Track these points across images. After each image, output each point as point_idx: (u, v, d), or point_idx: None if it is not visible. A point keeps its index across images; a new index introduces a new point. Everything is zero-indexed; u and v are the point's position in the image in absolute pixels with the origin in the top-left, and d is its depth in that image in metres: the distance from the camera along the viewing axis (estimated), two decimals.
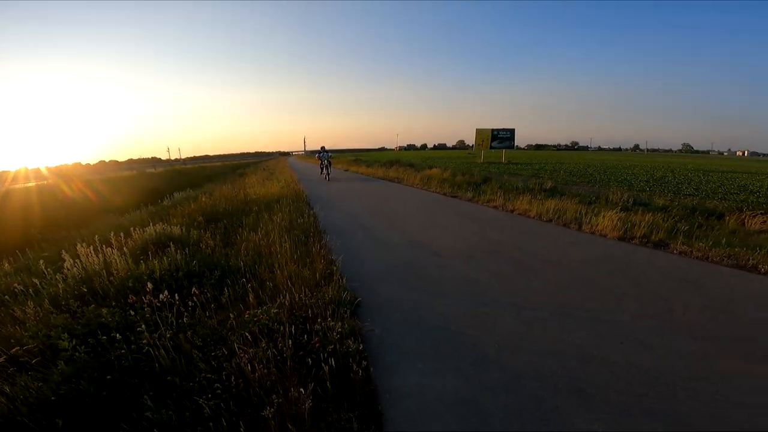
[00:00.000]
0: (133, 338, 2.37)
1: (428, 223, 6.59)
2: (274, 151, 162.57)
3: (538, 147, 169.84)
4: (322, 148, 18.98)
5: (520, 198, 8.39)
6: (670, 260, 4.40)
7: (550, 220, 6.62)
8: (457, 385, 2.15)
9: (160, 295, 2.63)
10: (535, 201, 7.98)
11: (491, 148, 31.95)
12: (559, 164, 27.79)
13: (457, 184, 11.97)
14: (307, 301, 2.91)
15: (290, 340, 2.30)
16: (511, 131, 32.06)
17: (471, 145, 34.20)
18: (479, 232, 5.80)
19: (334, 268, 3.75)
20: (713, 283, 3.63)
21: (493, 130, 31.87)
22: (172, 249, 3.98)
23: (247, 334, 2.38)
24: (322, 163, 18.23)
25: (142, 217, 7.25)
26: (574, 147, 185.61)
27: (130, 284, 3.30)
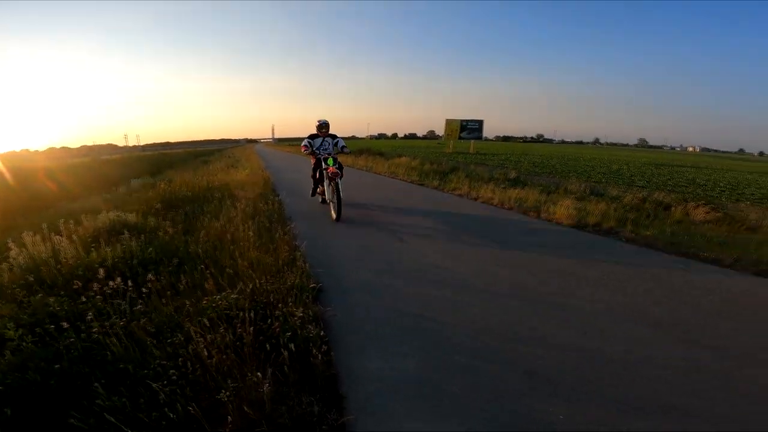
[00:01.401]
0: (83, 327, 2.31)
1: (393, 209, 6.68)
2: (241, 138, 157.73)
3: (506, 138, 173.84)
4: (322, 126, 6.73)
5: (485, 187, 8.63)
6: (616, 246, 4.69)
7: (512, 208, 6.86)
8: (417, 366, 2.22)
9: (111, 282, 2.54)
10: (499, 190, 8.24)
11: (460, 138, 32.44)
12: (524, 155, 28.67)
13: (425, 172, 12.12)
14: (269, 287, 2.90)
15: (251, 327, 2.29)
16: (480, 122, 32.65)
17: (441, 135, 34.55)
18: (443, 219, 5.94)
19: (298, 254, 3.74)
20: (653, 269, 3.91)
21: (462, 120, 32.34)
22: (127, 236, 3.83)
23: (205, 320, 2.36)
24: (319, 166, 6.51)
25: (96, 204, 6.91)
26: (539, 139, 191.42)
27: (81, 272, 3.16)
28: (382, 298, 3.08)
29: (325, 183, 6.31)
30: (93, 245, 3.76)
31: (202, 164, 19.96)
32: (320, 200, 7.03)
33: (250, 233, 4.10)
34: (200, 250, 3.69)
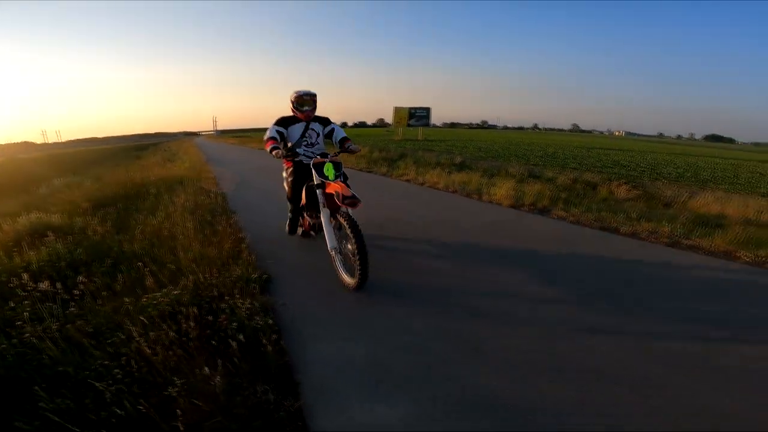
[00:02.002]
0: (14, 333, 2.21)
1: None
2: (178, 131, 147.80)
3: (453, 125, 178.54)
4: (304, 101, 3.64)
5: (431, 172, 8.90)
6: (548, 223, 5.10)
7: (455, 192, 7.15)
8: (370, 350, 2.29)
9: (41, 285, 2.38)
10: (444, 174, 8.54)
11: (408, 125, 32.81)
12: (470, 141, 29.73)
13: (373, 159, 12.22)
14: (214, 281, 2.85)
15: (193, 322, 2.26)
16: (428, 110, 33.19)
17: (390, 123, 34.70)
18: (389, 204, 6.08)
19: (243, 246, 3.69)
20: (578, 239, 4.31)
21: (410, 108, 32.67)
22: (52, 238, 3.55)
23: (144, 319, 2.29)
24: (305, 179, 3.57)
25: (14, 208, 6.27)
26: (484, 126, 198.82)
27: (4, 278, 2.92)
28: (338, 289, 3.14)
29: (322, 215, 3.27)
30: (14, 250, 3.45)
31: (135, 159, 18.58)
32: (300, 232, 4.14)
33: (190, 227, 3.96)
34: (136, 248, 3.52)
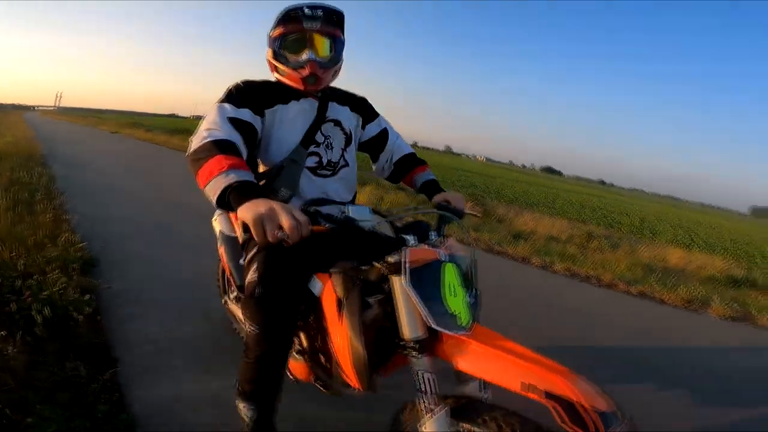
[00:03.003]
0: None
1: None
2: (8, 103, 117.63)
3: None
4: (304, 31, 1.18)
5: None
6: None
7: None
8: (188, 330, 2.30)
9: None
10: None
11: None
12: None
13: None
14: (24, 261, 2.55)
15: None
16: None
17: None
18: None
19: (65, 228, 3.32)
20: None
21: None
22: None
23: None
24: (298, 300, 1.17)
25: None
26: None
27: None
28: (165, 272, 3.06)
29: (424, 410, 0.94)
30: None
31: None
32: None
33: None
34: None
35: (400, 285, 0.92)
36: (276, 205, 0.84)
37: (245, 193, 0.90)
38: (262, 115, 1.23)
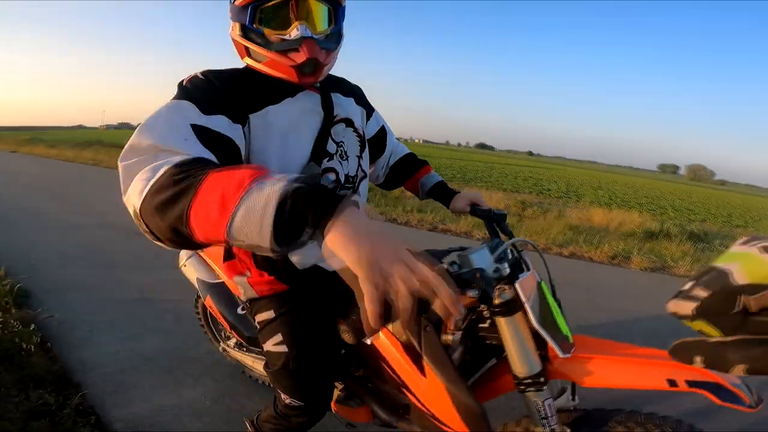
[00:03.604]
0: None
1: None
2: None
3: None
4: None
5: None
6: None
7: None
8: (152, 345, 2.27)
9: None
10: None
11: None
12: None
13: None
14: None
15: None
16: None
17: None
18: None
19: None
20: None
21: None
22: None
23: None
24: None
25: None
26: None
27: None
28: (109, 296, 2.92)
29: None
30: None
31: None
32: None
33: None
34: None
35: (511, 326, 0.83)
36: (398, 245, 0.46)
37: (325, 200, 0.47)
38: (244, 122, 0.86)
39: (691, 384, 0.77)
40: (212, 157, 0.67)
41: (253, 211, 0.47)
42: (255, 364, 1.63)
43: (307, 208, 0.46)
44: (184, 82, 0.84)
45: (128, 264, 3.39)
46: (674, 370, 0.79)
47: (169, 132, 0.68)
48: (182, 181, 0.53)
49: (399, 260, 0.44)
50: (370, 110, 1.22)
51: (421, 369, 0.95)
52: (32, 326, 2.16)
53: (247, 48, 0.91)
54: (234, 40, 0.92)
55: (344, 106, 1.07)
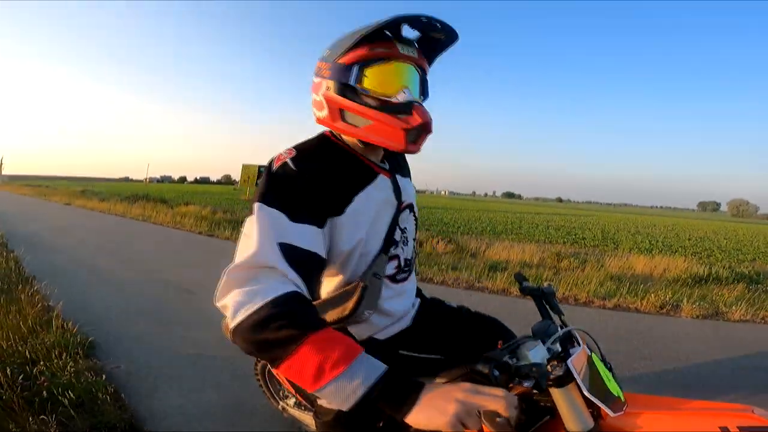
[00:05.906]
0: None
1: (177, 261, 6.28)
2: None
3: None
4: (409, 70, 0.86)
5: None
6: None
7: None
8: (212, 399, 2.35)
9: None
10: None
11: (257, 184, 32.27)
12: None
13: (216, 222, 11.62)
14: (20, 348, 2.54)
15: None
16: None
17: (237, 180, 33.55)
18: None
19: (54, 314, 3.23)
20: None
21: (259, 166, 32.30)
22: None
23: None
24: None
25: None
26: None
27: None
28: (170, 348, 3.06)
29: None
30: None
31: None
32: None
33: None
34: None
35: (564, 394, 0.87)
36: (465, 392, 0.62)
37: (399, 399, 0.62)
38: (326, 221, 0.84)
39: (743, 430, 0.77)
40: (299, 280, 0.73)
41: (341, 392, 0.62)
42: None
43: (384, 405, 0.62)
44: (273, 167, 0.83)
45: (184, 321, 3.56)
46: (727, 418, 0.80)
47: (262, 248, 0.74)
48: (281, 329, 0.63)
49: (462, 405, 0.60)
50: (408, 173, 1.16)
51: None
52: (103, 376, 2.32)
53: (341, 111, 0.86)
54: (328, 101, 0.86)
55: (408, 190, 1.04)
